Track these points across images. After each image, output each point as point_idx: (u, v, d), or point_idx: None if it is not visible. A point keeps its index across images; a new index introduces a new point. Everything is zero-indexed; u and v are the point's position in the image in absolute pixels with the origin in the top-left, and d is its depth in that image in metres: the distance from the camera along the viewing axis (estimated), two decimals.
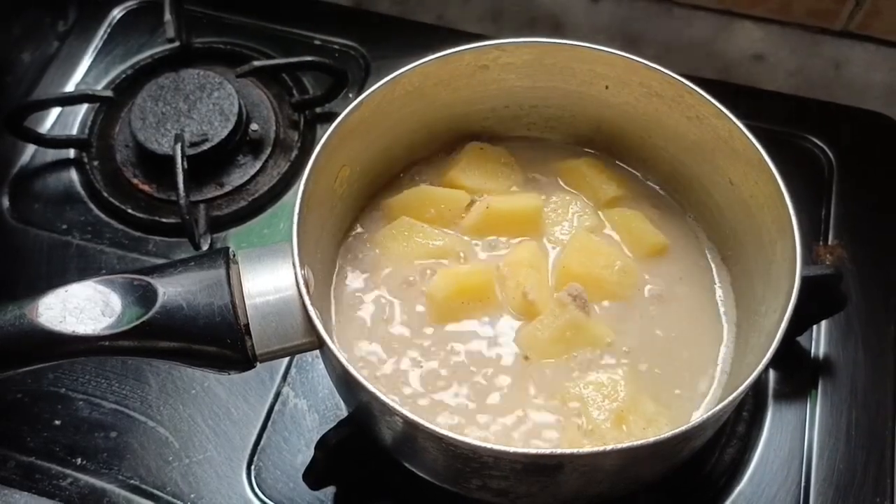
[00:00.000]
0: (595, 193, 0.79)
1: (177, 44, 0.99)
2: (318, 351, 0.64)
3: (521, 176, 0.80)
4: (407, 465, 0.68)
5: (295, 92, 0.98)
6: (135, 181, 0.93)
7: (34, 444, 0.79)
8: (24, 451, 0.78)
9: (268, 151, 0.94)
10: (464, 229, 0.77)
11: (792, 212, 0.64)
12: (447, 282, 0.72)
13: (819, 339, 0.83)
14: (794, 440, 0.78)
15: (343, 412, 0.79)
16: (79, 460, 0.78)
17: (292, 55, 0.98)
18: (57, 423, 0.80)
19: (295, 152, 0.95)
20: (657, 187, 0.81)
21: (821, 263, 0.86)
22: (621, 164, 0.82)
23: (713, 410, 0.59)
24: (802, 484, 0.76)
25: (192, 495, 0.76)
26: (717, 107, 0.70)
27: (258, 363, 0.63)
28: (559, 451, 0.57)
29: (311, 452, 0.72)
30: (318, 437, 0.71)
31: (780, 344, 0.60)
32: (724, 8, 0.98)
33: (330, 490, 0.76)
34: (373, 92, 0.71)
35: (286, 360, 0.82)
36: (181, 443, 0.79)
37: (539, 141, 0.83)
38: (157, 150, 0.90)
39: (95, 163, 0.95)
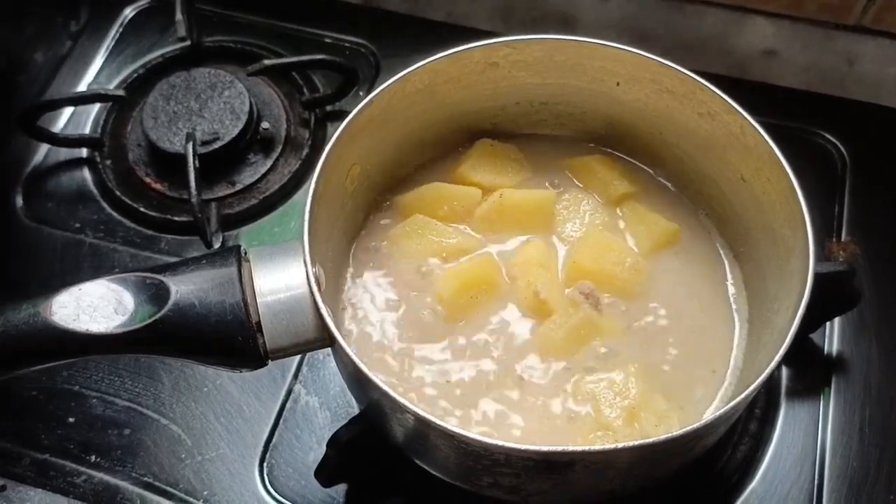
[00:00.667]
0: (606, 190, 0.79)
1: (188, 43, 0.99)
2: (329, 349, 0.64)
3: (531, 172, 0.80)
4: (418, 462, 0.68)
5: (305, 90, 0.98)
6: (147, 180, 0.93)
7: (48, 442, 0.79)
8: (38, 449, 0.79)
9: (279, 150, 0.94)
10: (476, 221, 0.77)
11: (805, 208, 0.64)
12: (453, 279, 0.72)
13: (832, 336, 0.82)
14: (806, 438, 0.78)
15: (354, 410, 0.79)
16: (93, 457, 0.79)
17: (303, 53, 0.98)
18: (71, 420, 0.80)
19: (306, 150, 0.95)
20: (669, 184, 0.81)
21: (834, 260, 0.86)
22: (632, 160, 0.82)
23: (725, 408, 0.58)
24: (815, 482, 0.76)
25: (205, 492, 0.77)
26: (728, 103, 0.69)
27: (270, 361, 0.63)
28: (571, 448, 0.57)
29: (322, 450, 0.72)
30: (330, 434, 0.71)
31: (793, 341, 0.59)
32: (735, 3, 0.97)
33: (342, 487, 0.76)
34: (383, 90, 0.71)
35: (298, 357, 0.83)
36: (194, 440, 0.79)
37: (550, 138, 0.83)
38: (169, 149, 0.91)
39: (108, 162, 0.95)
